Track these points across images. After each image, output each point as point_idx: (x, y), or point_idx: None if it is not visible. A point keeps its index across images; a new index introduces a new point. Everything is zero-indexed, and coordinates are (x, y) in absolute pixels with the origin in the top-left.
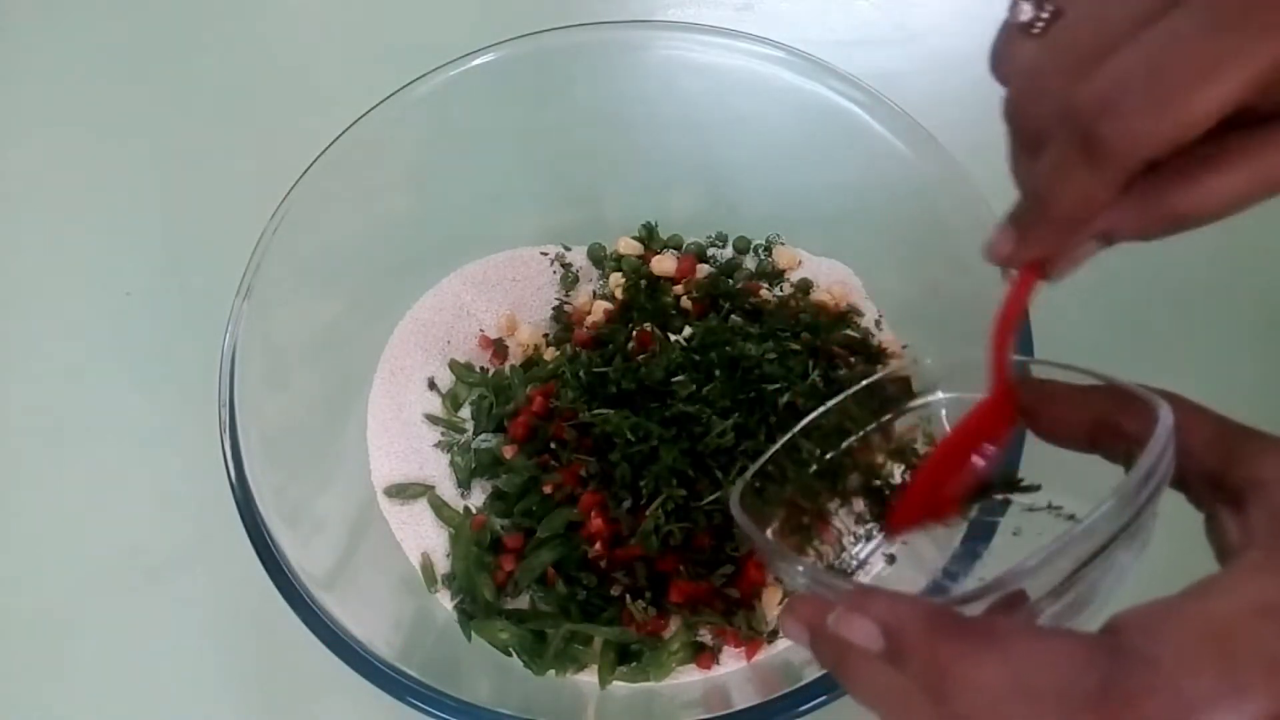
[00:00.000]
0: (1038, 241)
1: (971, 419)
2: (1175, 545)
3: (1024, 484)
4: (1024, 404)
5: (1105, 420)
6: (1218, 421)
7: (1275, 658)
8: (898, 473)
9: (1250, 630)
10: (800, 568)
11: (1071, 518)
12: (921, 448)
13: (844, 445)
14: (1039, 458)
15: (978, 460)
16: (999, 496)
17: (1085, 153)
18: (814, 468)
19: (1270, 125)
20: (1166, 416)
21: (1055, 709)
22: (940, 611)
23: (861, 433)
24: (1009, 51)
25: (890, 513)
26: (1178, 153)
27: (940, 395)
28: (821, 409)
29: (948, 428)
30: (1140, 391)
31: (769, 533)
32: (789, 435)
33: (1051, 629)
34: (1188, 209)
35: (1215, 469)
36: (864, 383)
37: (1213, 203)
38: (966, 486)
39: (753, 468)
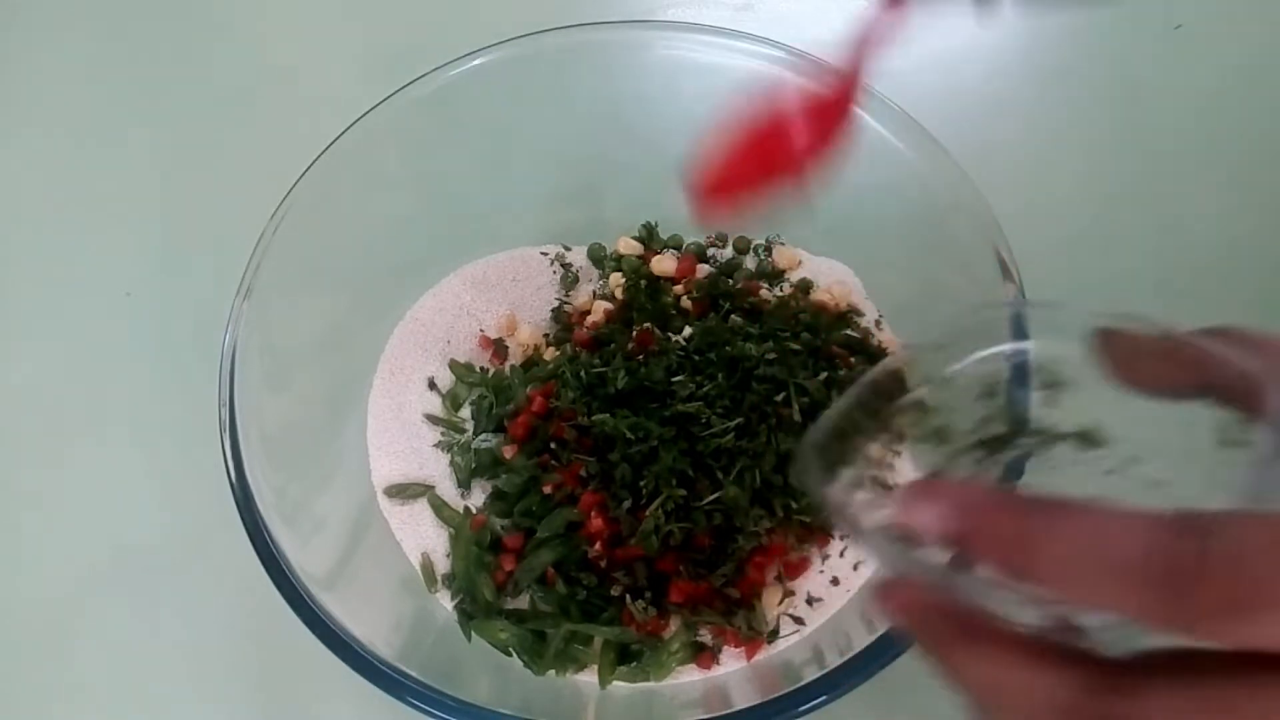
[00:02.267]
0: None
1: (802, 103)
2: None
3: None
4: (1115, 358)
5: (1192, 370)
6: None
7: None
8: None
9: None
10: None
11: (1083, 436)
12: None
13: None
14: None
15: (796, 139)
16: (1023, 441)
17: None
18: (876, 420)
19: None
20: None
21: (1139, 579)
22: (1010, 491)
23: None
24: None
25: (697, 185)
26: None
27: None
28: (880, 366)
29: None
30: (1229, 354)
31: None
32: (857, 386)
33: (1128, 506)
34: None
35: None
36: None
37: None
38: (779, 168)
39: (822, 420)
